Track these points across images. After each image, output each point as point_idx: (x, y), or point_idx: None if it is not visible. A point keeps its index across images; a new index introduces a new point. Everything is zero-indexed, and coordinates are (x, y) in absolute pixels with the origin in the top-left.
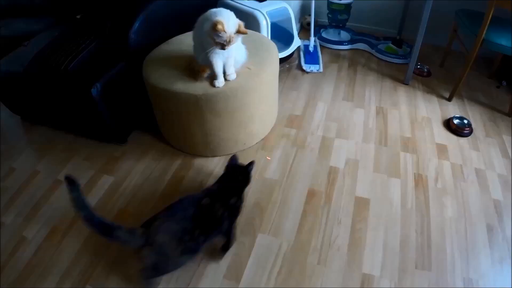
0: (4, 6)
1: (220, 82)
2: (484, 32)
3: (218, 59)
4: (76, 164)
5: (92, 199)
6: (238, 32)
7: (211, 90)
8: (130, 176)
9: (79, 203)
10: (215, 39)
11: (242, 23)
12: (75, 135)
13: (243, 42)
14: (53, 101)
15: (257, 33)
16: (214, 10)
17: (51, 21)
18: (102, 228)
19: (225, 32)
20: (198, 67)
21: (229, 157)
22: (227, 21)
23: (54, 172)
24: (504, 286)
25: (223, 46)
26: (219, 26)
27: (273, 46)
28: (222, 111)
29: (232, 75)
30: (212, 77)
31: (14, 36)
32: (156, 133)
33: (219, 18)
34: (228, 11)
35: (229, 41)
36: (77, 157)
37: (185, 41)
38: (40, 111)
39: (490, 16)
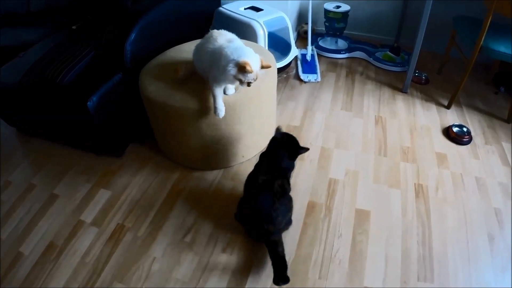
0: (0, 15)
1: (221, 111)
2: (483, 39)
3: (220, 91)
4: (72, 177)
5: (89, 213)
6: (262, 67)
7: (209, 103)
8: (128, 190)
9: None
10: (241, 79)
11: (261, 58)
12: (72, 148)
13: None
14: (49, 114)
15: (254, 43)
16: (230, 44)
17: (47, 31)
18: None
19: (253, 72)
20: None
21: (227, 170)
22: (251, 59)
23: (50, 186)
24: None
25: (249, 84)
26: (248, 68)
27: (270, 56)
28: (220, 124)
29: (230, 90)
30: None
31: (10, 46)
32: (153, 145)
33: (244, 58)
34: (247, 48)
35: (256, 79)
36: (73, 170)
37: (182, 52)
38: (37, 123)
39: (489, 22)
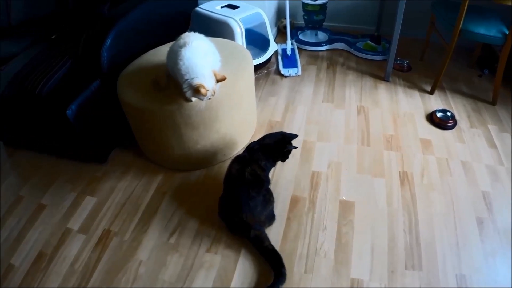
0: None
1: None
2: (461, 22)
3: None
4: (59, 187)
5: (76, 221)
6: (218, 80)
7: (186, 104)
8: (113, 196)
9: None
10: (200, 98)
11: (215, 70)
12: (58, 157)
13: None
14: (32, 125)
15: (231, 41)
16: (182, 56)
17: (28, 42)
18: None
19: (208, 91)
20: (159, 79)
21: (210, 169)
22: (204, 78)
23: (37, 196)
24: (498, 279)
25: (210, 98)
26: (202, 90)
27: (247, 53)
28: (199, 123)
29: None
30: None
31: None
32: (136, 150)
33: (197, 78)
34: (198, 57)
35: (214, 94)
36: (60, 179)
37: (159, 54)
38: (21, 135)
39: (466, 5)
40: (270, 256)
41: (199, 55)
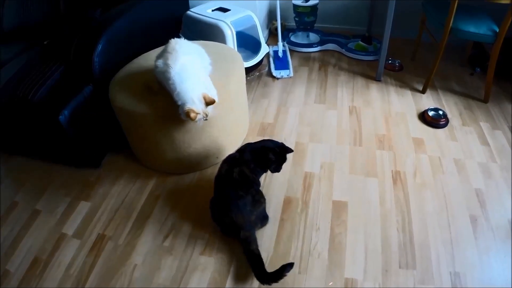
0: None
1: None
2: (451, 20)
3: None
4: (53, 192)
5: (71, 226)
6: (207, 103)
7: (176, 108)
8: (106, 200)
9: None
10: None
11: (205, 93)
12: (52, 163)
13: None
14: (26, 131)
15: (221, 44)
16: (173, 81)
17: (21, 48)
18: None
19: (199, 114)
20: (152, 84)
21: (202, 172)
22: (193, 103)
23: (32, 202)
24: (492, 276)
25: (202, 121)
26: (192, 115)
27: (238, 56)
28: (190, 127)
29: None
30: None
31: None
32: (129, 154)
33: (187, 106)
34: (187, 81)
35: (207, 116)
36: (54, 185)
37: (150, 59)
38: (15, 141)
39: (456, 4)
40: (254, 260)
41: (188, 75)
